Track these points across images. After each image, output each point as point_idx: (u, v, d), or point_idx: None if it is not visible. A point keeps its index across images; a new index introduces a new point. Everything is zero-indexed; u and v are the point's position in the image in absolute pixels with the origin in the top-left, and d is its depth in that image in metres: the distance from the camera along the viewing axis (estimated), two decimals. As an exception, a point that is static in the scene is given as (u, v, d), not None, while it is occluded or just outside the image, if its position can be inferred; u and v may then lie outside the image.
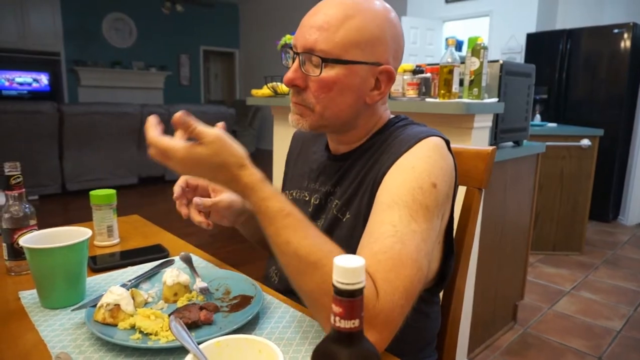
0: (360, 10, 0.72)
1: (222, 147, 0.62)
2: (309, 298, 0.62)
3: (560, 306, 2.52)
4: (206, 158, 0.61)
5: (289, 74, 0.75)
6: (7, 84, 7.23)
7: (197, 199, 0.83)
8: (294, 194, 0.92)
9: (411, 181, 0.68)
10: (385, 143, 0.78)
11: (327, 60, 0.71)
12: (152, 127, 0.63)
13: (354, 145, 0.83)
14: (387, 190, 0.69)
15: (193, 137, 0.62)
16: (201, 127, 0.62)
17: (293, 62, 0.75)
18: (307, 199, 0.88)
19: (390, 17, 0.75)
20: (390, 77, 0.76)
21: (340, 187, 0.82)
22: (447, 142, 0.77)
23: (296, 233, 0.61)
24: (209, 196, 0.87)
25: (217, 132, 0.62)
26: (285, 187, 0.99)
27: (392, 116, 0.86)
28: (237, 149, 0.63)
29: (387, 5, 0.77)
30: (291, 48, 0.77)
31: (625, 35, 3.91)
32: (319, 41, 0.71)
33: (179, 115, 0.61)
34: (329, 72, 0.72)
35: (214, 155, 0.61)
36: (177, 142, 0.62)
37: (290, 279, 0.63)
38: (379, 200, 0.70)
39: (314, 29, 0.72)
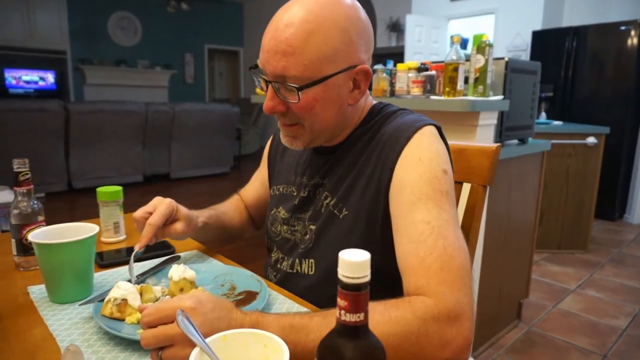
0: (320, 22, 0.67)
1: (205, 295, 0.58)
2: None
3: (565, 304, 2.51)
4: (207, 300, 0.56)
5: (268, 103, 0.72)
6: (14, 82, 7.27)
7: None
8: (281, 189, 0.92)
9: (425, 173, 0.69)
10: (377, 133, 0.78)
11: (303, 87, 0.68)
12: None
13: (339, 139, 0.83)
14: (404, 188, 0.70)
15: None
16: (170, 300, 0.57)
17: (267, 88, 0.72)
18: (294, 194, 0.88)
19: (350, 15, 0.70)
20: (367, 75, 0.75)
21: (330, 179, 0.82)
22: (439, 128, 0.78)
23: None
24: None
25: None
26: (272, 183, 0.99)
27: (374, 102, 0.85)
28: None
29: (344, 1, 0.72)
30: (259, 70, 0.73)
31: (633, 33, 3.88)
32: (287, 67, 0.67)
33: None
34: (307, 95, 0.70)
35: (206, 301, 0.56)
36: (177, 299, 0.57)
37: None
38: (398, 201, 0.70)
39: (279, 55, 0.67)
